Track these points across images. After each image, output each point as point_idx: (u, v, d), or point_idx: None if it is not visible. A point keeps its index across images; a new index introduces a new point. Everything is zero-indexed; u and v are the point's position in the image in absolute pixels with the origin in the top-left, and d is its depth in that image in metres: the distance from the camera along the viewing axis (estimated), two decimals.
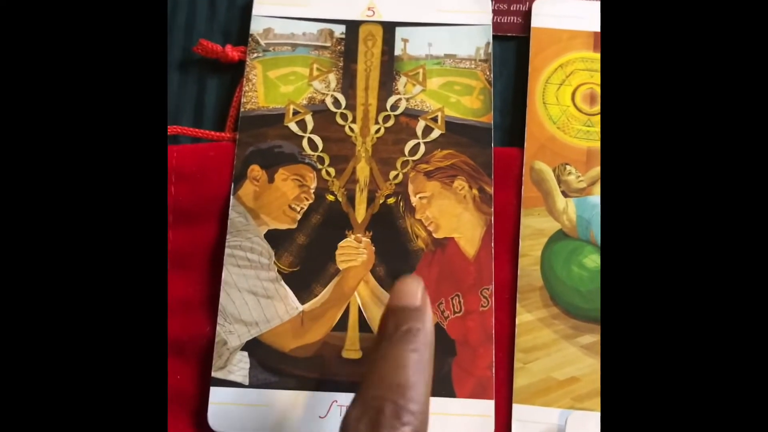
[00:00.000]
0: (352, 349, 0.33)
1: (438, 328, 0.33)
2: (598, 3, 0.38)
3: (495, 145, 0.36)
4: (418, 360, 0.25)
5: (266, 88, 0.37)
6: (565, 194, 0.35)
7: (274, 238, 0.34)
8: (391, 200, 0.35)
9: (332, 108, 0.36)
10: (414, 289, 0.27)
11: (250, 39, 0.37)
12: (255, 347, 0.32)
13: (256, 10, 0.38)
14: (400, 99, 0.36)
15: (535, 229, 0.35)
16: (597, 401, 0.32)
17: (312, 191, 0.35)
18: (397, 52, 0.37)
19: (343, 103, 0.36)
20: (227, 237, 0.34)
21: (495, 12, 0.38)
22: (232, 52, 0.37)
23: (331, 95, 0.37)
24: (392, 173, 0.35)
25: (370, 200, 0.35)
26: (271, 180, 0.35)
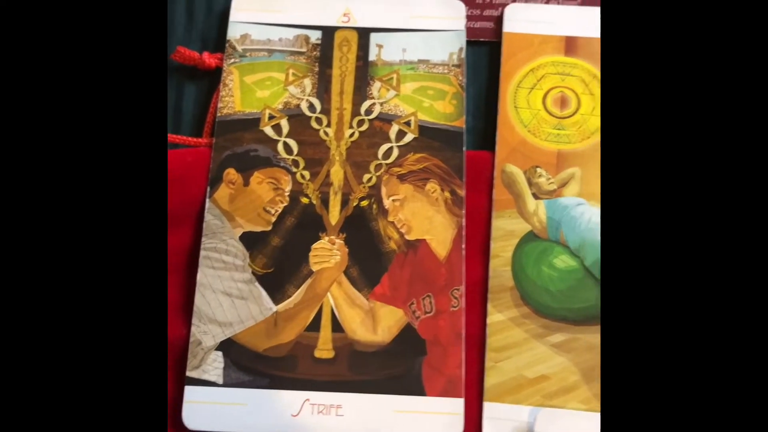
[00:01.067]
0: (324, 349, 0.33)
1: (409, 328, 0.33)
2: (570, 8, 0.38)
3: (467, 148, 0.36)
4: None
5: (243, 92, 0.37)
6: (535, 196, 0.36)
7: (248, 240, 0.35)
8: (364, 203, 0.35)
9: (307, 112, 0.37)
10: None
11: (227, 45, 0.38)
12: (229, 347, 0.33)
13: (234, 16, 0.38)
14: (374, 103, 0.37)
15: (506, 230, 0.35)
16: (566, 398, 0.33)
17: (287, 194, 0.35)
18: (372, 57, 0.38)
19: (318, 107, 0.37)
20: (203, 239, 0.34)
21: (468, 17, 0.39)
22: (209, 59, 0.38)
23: (307, 100, 0.37)
24: (366, 176, 0.36)
25: (344, 203, 0.35)
26: (246, 183, 0.36)
